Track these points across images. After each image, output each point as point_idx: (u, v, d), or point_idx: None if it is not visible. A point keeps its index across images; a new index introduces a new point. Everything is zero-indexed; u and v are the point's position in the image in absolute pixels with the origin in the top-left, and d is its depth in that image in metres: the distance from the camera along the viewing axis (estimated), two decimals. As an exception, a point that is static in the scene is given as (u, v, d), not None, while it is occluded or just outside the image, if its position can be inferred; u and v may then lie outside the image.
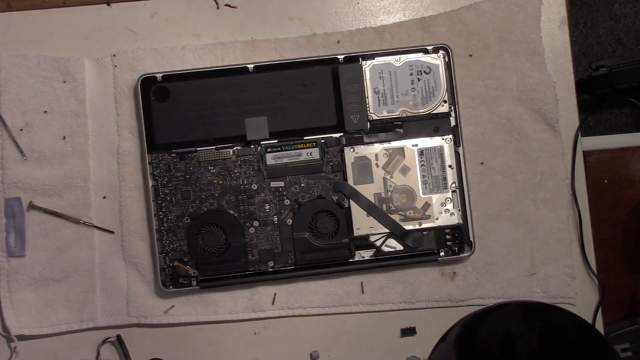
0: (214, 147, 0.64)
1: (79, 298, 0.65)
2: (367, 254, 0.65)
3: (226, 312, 0.66)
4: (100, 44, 0.67)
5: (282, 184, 0.65)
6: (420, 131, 0.65)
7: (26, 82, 0.65)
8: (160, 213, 0.64)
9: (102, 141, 0.66)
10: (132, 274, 0.65)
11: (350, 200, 0.64)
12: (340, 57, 0.65)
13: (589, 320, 0.67)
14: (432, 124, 0.65)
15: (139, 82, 0.64)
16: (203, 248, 0.64)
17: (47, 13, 0.66)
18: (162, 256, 0.64)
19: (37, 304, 0.64)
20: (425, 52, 0.65)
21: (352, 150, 0.65)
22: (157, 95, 0.64)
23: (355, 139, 0.65)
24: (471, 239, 0.65)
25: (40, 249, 0.64)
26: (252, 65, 0.64)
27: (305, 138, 0.65)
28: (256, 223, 0.64)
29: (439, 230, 0.65)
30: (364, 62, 0.65)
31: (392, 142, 0.65)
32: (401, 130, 0.65)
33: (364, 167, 0.65)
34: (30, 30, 0.66)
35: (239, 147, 0.64)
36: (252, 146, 0.65)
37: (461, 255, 0.66)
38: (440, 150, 0.65)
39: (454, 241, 0.66)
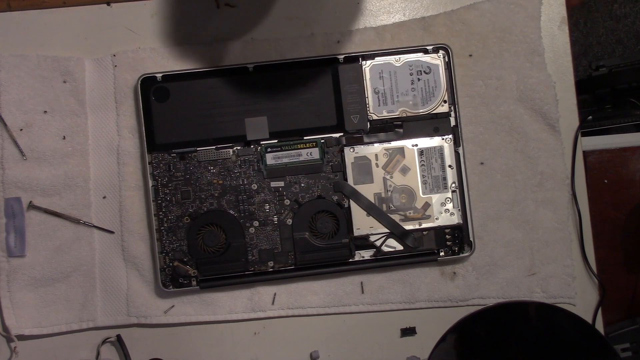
0: (214, 147, 0.64)
1: (79, 298, 0.65)
2: (367, 254, 0.65)
3: (226, 312, 0.66)
4: (100, 44, 0.67)
5: (282, 184, 0.65)
6: (420, 131, 0.65)
7: (26, 82, 0.65)
8: (160, 213, 0.64)
9: (102, 141, 0.66)
10: (132, 274, 0.65)
11: (350, 200, 0.64)
12: (340, 57, 0.65)
13: (589, 320, 0.67)
14: (432, 124, 0.65)
15: (139, 82, 0.64)
16: (203, 248, 0.64)
17: (47, 13, 0.66)
18: (162, 256, 0.64)
19: (37, 304, 0.64)
20: (425, 52, 0.66)
21: (352, 150, 0.65)
22: (157, 95, 0.64)
23: (355, 139, 0.65)
24: (471, 239, 0.65)
25: (40, 249, 0.64)
26: (252, 65, 0.64)
27: (305, 138, 0.65)
28: (256, 223, 0.64)
29: (439, 230, 0.65)
30: (364, 62, 0.65)
31: (392, 142, 0.65)
32: (401, 130, 0.65)
33: (364, 167, 0.65)
34: (30, 30, 0.66)
35: (239, 147, 0.64)
36: (252, 146, 0.65)
37: (461, 255, 0.66)
38: (440, 150, 0.65)
39: (454, 241, 0.66)
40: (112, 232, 0.66)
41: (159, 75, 0.64)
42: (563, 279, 0.67)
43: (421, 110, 0.65)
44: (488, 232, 0.67)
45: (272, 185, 0.65)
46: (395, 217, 0.65)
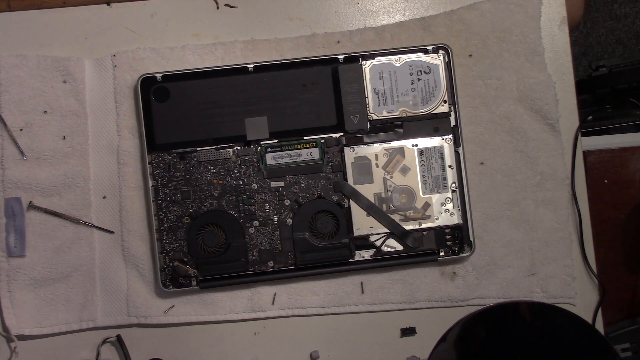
0: (214, 147, 0.64)
1: (79, 298, 0.65)
2: (367, 254, 0.65)
3: (226, 312, 0.66)
4: (100, 44, 0.67)
5: (282, 184, 0.65)
6: (420, 131, 0.65)
7: (26, 82, 0.65)
8: (160, 213, 0.64)
9: (102, 141, 0.66)
10: (132, 274, 0.65)
11: (350, 200, 0.64)
12: (340, 57, 0.65)
13: (589, 320, 0.67)
14: (432, 124, 0.65)
15: (139, 82, 0.64)
16: (203, 248, 0.64)
17: (47, 13, 0.66)
18: (162, 256, 0.64)
19: (37, 304, 0.64)
20: (425, 52, 0.65)
21: (352, 150, 0.65)
22: (157, 95, 0.64)
23: (355, 139, 0.65)
24: (471, 239, 0.65)
25: (40, 249, 0.64)
26: (252, 65, 0.64)
27: (305, 138, 0.65)
28: (256, 223, 0.64)
29: (439, 230, 0.65)
30: (364, 62, 0.65)
31: (392, 142, 0.65)
32: (401, 130, 0.65)
33: (364, 167, 0.65)
34: (30, 30, 0.66)
35: (239, 147, 0.64)
36: (252, 146, 0.65)
37: (461, 255, 0.66)
38: (440, 150, 0.65)
39: (454, 241, 0.66)
40: (112, 232, 0.66)
41: (159, 75, 0.64)
42: (563, 279, 0.67)
43: (421, 110, 0.65)
44: (488, 232, 0.67)
45: (272, 185, 0.65)
46: (395, 217, 0.65)
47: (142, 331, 0.66)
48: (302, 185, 0.65)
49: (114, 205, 0.66)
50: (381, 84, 0.65)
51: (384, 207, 0.65)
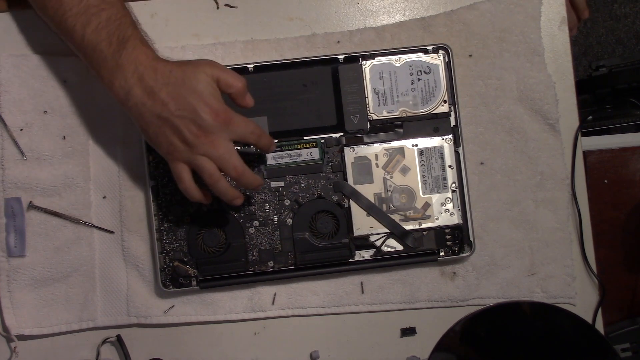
0: (214, 147, 0.64)
1: (79, 298, 0.65)
2: (367, 254, 0.65)
3: (226, 312, 0.66)
4: (100, 44, 0.66)
5: (282, 184, 0.65)
6: (420, 131, 0.65)
7: (26, 82, 0.65)
8: (160, 213, 0.64)
9: (102, 141, 0.66)
10: (132, 274, 0.65)
11: (350, 200, 0.64)
12: (340, 57, 0.65)
13: (589, 320, 0.67)
14: (432, 124, 0.66)
15: (139, 82, 0.63)
16: (203, 248, 0.64)
17: (47, 13, 0.66)
18: (162, 256, 0.64)
19: (37, 304, 0.64)
20: (425, 52, 0.65)
21: (352, 150, 0.65)
22: (157, 95, 0.64)
23: (355, 139, 0.65)
24: (471, 239, 0.65)
25: (40, 249, 0.64)
26: (252, 65, 0.64)
27: (305, 138, 0.65)
28: (256, 223, 0.64)
29: (439, 230, 0.65)
30: (364, 62, 0.65)
31: (392, 142, 0.65)
32: (401, 130, 0.65)
33: (364, 167, 0.65)
34: (30, 30, 0.66)
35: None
36: (252, 146, 0.64)
37: (461, 255, 0.66)
38: (440, 150, 0.65)
39: (454, 241, 0.66)
40: (112, 232, 0.66)
41: (159, 75, 0.64)
42: (563, 279, 0.67)
43: (421, 110, 0.65)
44: (488, 232, 0.67)
45: (272, 185, 0.65)
46: (395, 217, 0.65)
47: (142, 331, 0.66)
48: (302, 185, 0.65)
49: (114, 205, 0.66)
50: (381, 84, 0.65)
51: (384, 207, 0.65)
